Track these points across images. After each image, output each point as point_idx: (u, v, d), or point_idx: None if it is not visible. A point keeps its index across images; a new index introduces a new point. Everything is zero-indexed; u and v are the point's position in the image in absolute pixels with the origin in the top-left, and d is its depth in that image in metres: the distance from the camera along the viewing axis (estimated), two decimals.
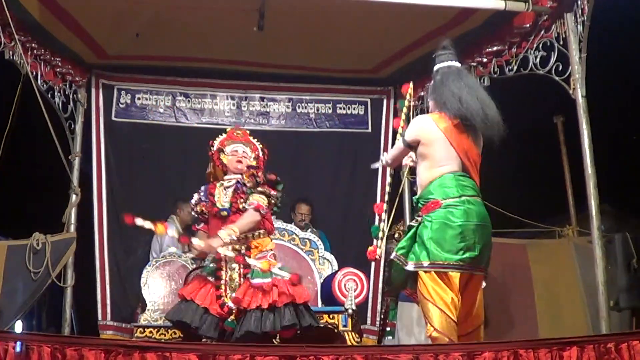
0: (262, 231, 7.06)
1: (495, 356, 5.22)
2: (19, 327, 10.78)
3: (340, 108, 10.91)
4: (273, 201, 7.12)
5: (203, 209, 7.23)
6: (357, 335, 8.30)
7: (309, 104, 10.85)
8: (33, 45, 8.70)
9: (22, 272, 8.11)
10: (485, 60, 9.15)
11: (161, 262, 9.01)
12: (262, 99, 10.73)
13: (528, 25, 8.45)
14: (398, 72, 10.40)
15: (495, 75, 9.03)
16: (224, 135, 7.37)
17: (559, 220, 11.00)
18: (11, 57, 8.28)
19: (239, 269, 6.95)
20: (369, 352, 5.43)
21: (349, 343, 8.04)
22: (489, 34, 8.94)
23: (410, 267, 6.10)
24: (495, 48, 8.95)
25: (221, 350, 5.22)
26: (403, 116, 6.91)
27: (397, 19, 8.75)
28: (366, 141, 10.77)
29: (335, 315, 8.22)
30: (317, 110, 10.84)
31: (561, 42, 8.09)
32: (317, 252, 9.00)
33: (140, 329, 8.60)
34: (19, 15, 8.19)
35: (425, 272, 6.02)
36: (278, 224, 8.96)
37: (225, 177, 7.21)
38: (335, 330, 8.20)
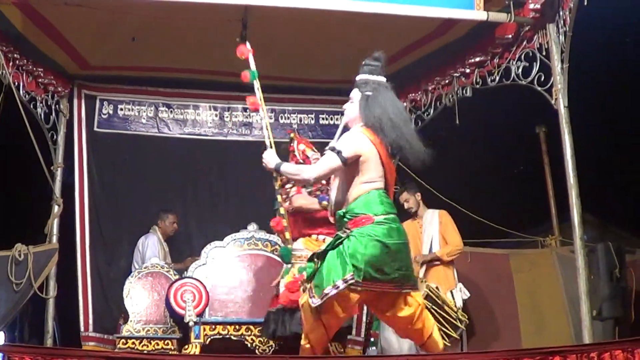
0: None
1: None
2: (1, 338, 10.74)
3: (323, 118, 10.91)
4: None
5: None
6: (340, 346, 8.29)
7: (292, 115, 10.85)
8: (15, 55, 8.67)
9: (3, 283, 8.09)
10: (467, 70, 9.18)
11: (144, 273, 8.98)
12: (244, 109, 10.71)
13: (510, 36, 8.48)
14: None
15: (478, 86, 9.06)
16: None
17: (541, 230, 11.05)
18: None
19: None
20: None
21: (332, 354, 8.02)
22: (472, 45, 8.96)
23: (341, 285, 5.93)
24: (477, 59, 8.97)
25: None
26: (259, 95, 7.12)
27: (379, 31, 8.76)
28: None
29: None
30: (300, 120, 10.84)
31: (543, 53, 8.11)
32: None
33: (123, 340, 8.57)
34: (1, 25, 8.18)
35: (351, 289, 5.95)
36: (261, 234, 8.96)
37: None
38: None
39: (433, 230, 8.96)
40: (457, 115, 9.30)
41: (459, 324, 8.26)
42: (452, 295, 8.72)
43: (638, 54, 11.62)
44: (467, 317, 8.45)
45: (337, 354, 8.04)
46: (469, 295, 8.89)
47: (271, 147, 6.76)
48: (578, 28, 7.78)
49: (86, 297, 9.70)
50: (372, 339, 9.82)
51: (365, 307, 9.96)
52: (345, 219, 6.13)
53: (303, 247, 7.50)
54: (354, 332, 9.80)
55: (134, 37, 9.11)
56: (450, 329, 8.24)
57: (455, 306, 8.60)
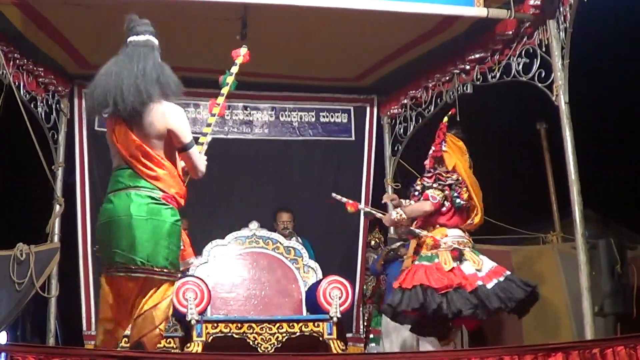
0: (429, 228, 7.66)
1: None
2: (3, 338, 10.74)
3: (324, 116, 10.91)
4: (445, 193, 7.57)
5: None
6: (342, 344, 8.29)
7: (292, 113, 10.85)
8: (15, 55, 8.68)
9: (5, 282, 8.09)
10: (468, 67, 9.18)
11: None
12: (245, 107, 10.72)
13: (510, 33, 8.48)
14: (381, 81, 10.43)
15: (478, 83, 9.06)
16: None
17: (542, 227, 11.04)
18: None
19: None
20: None
21: (334, 351, 8.03)
22: (472, 42, 8.96)
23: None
24: (477, 55, 8.98)
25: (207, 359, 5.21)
26: (223, 92, 6.80)
27: (379, 28, 8.76)
28: (349, 149, 10.79)
29: (321, 324, 8.20)
30: (301, 118, 10.84)
31: (544, 49, 8.12)
32: (302, 260, 8.98)
33: (125, 338, 8.57)
34: (1, 25, 8.19)
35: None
36: (263, 232, 8.97)
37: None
38: (321, 339, 8.19)
39: None
40: (458, 112, 9.30)
41: None
42: None
43: (639, 49, 11.61)
44: None
45: (339, 352, 8.05)
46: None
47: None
48: (578, 24, 7.78)
49: (88, 296, 9.70)
50: (372, 336, 9.82)
51: (361, 304, 9.98)
52: None
53: None
54: (353, 329, 9.82)
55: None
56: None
57: None
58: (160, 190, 5.68)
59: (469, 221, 7.71)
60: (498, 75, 8.76)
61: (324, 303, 8.30)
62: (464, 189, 7.61)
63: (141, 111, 5.65)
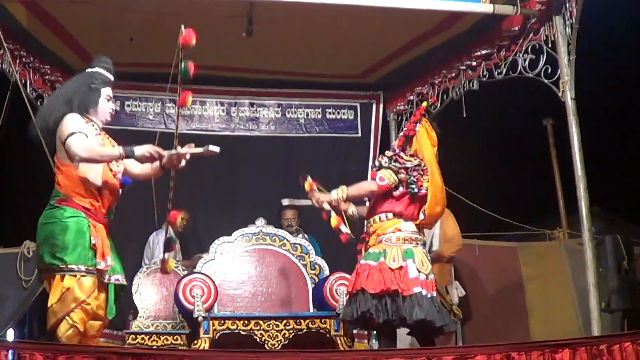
0: (387, 215, 7.05)
1: (487, 359, 5.23)
2: (10, 335, 10.76)
3: (330, 113, 10.92)
4: (400, 176, 6.95)
5: None
6: (349, 340, 8.29)
7: (299, 109, 10.85)
8: (22, 53, 8.69)
9: (12, 280, 8.11)
10: (474, 63, 9.17)
11: (152, 268, 8.99)
12: (251, 104, 10.73)
13: (517, 29, 8.47)
14: (387, 77, 10.43)
15: (485, 79, 9.05)
16: None
17: (549, 223, 11.05)
18: (0, 65, 8.27)
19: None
20: (361, 356, 5.45)
21: (341, 348, 8.03)
22: (478, 38, 8.96)
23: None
24: (484, 52, 8.97)
25: (213, 356, 5.21)
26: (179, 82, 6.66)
27: (385, 24, 8.76)
28: (356, 146, 10.79)
29: (328, 320, 8.20)
30: (307, 115, 10.84)
31: (550, 45, 8.10)
32: (308, 257, 8.98)
33: (132, 335, 8.59)
34: (8, 23, 8.19)
35: None
36: (269, 229, 8.97)
37: None
38: (328, 335, 8.19)
39: (434, 228, 8.95)
40: (465, 109, 9.29)
41: (453, 318, 8.28)
42: (447, 291, 8.76)
43: None
44: (461, 312, 8.53)
45: (346, 348, 8.06)
46: (464, 293, 8.93)
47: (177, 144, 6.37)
48: (584, 20, 7.78)
49: None
50: (374, 332, 9.81)
51: None
52: None
53: None
54: None
55: (131, 38, 9.11)
56: None
57: (451, 301, 8.66)
58: (61, 193, 6.02)
59: (421, 215, 7.06)
60: (504, 71, 8.75)
61: (330, 300, 8.30)
62: (425, 177, 6.99)
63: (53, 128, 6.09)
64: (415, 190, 6.96)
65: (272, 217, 9.56)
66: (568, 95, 7.84)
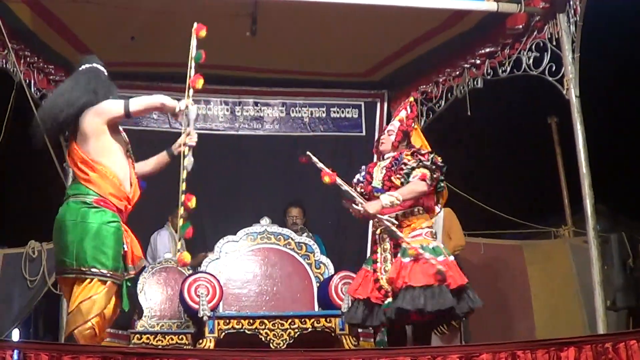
0: (419, 209, 6.87)
1: (493, 357, 5.23)
2: (15, 335, 10.77)
3: (334, 112, 10.91)
4: (435, 175, 6.80)
5: (361, 190, 7.11)
6: (354, 339, 8.29)
7: (303, 108, 10.84)
8: (26, 53, 8.71)
9: (18, 280, 8.12)
10: (478, 62, 9.16)
11: (157, 268, 8.99)
12: (255, 103, 10.73)
13: (521, 27, 8.47)
14: (391, 75, 10.43)
15: (489, 77, 9.04)
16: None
17: (554, 221, 11.05)
18: (4, 65, 8.29)
19: (391, 249, 6.83)
20: (366, 355, 5.45)
21: (346, 347, 8.03)
22: (482, 36, 8.95)
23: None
24: (488, 50, 8.97)
25: (219, 356, 5.22)
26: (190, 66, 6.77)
27: (389, 23, 8.76)
28: (360, 144, 10.76)
29: (333, 319, 8.21)
30: (311, 114, 10.84)
31: (554, 43, 8.10)
32: (313, 256, 8.98)
33: (137, 335, 8.59)
34: (12, 23, 8.20)
35: None
36: (274, 228, 8.97)
37: (386, 156, 7.16)
38: (333, 334, 8.20)
39: (437, 228, 8.94)
40: (469, 107, 9.29)
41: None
42: None
43: None
44: None
45: (351, 347, 8.06)
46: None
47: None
48: (589, 17, 7.77)
49: None
50: (382, 329, 9.81)
51: None
52: None
53: None
54: None
55: (133, 37, 9.11)
56: None
57: None
58: (96, 193, 6.01)
59: (436, 208, 7.11)
60: (508, 69, 8.74)
61: (335, 299, 8.30)
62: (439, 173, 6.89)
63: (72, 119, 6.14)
64: (442, 187, 7.00)
65: (277, 216, 9.56)
66: (572, 93, 7.83)
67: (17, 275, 8.08)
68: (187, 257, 6.44)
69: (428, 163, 6.82)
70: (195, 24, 6.74)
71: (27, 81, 8.74)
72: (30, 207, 12.14)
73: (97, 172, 6.04)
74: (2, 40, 8.03)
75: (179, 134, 10.06)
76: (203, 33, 6.72)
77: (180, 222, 6.46)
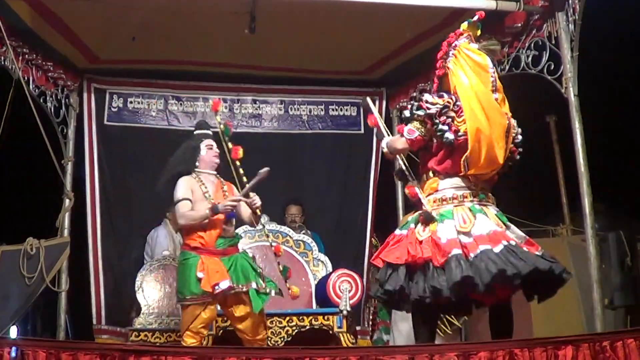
0: (426, 174, 6.16)
1: (490, 356, 5.23)
2: (13, 332, 10.76)
3: (333, 109, 10.90)
4: (416, 125, 6.02)
5: None
6: (352, 337, 8.30)
7: (301, 106, 10.84)
8: (24, 50, 8.71)
9: (16, 277, 8.09)
10: None
11: (155, 265, 9.00)
12: (254, 101, 10.73)
13: (519, 25, 8.47)
14: (390, 74, 10.42)
15: None
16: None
17: (552, 219, 11.05)
18: (3, 63, 8.30)
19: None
20: (364, 353, 5.44)
21: (344, 344, 8.04)
22: (481, 34, 8.94)
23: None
24: None
25: (216, 353, 5.22)
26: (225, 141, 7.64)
27: (388, 21, 8.75)
28: (359, 142, 10.77)
29: (330, 317, 8.22)
30: (310, 112, 10.83)
31: (553, 41, 8.10)
32: (311, 253, 8.99)
33: (135, 332, 8.60)
34: (10, 20, 8.20)
35: None
36: (272, 226, 8.98)
37: None
38: (330, 332, 8.20)
39: None
40: None
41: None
42: None
43: None
44: None
45: (349, 345, 8.07)
46: None
47: None
48: (587, 16, 7.77)
49: (98, 290, 9.73)
50: (380, 327, 9.81)
51: (362, 298, 9.95)
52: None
53: None
54: (365, 323, 9.83)
55: (134, 37, 9.11)
56: (453, 317, 8.29)
57: None
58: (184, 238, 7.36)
59: (462, 167, 6.00)
60: (507, 67, 8.73)
61: (333, 296, 8.31)
62: (461, 118, 5.90)
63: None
64: (450, 137, 5.90)
65: (276, 213, 9.57)
66: (571, 92, 7.83)
67: (15, 273, 8.05)
68: (296, 291, 7.44)
69: (407, 114, 6.14)
70: (210, 100, 7.79)
71: (26, 78, 8.74)
72: (28, 204, 12.13)
73: (180, 226, 7.70)
74: (1, 37, 8.03)
75: (177, 131, 10.18)
76: (221, 108, 7.77)
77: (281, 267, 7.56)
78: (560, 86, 7.93)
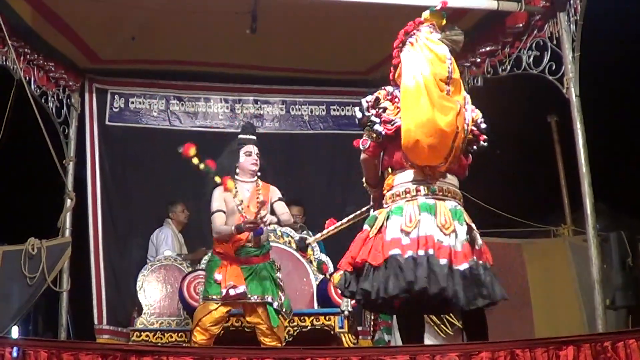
0: (383, 173, 5.97)
1: (492, 356, 5.22)
2: (15, 332, 10.76)
3: (334, 110, 10.90)
4: (367, 132, 5.74)
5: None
6: (353, 337, 8.30)
7: (303, 106, 10.84)
8: (26, 50, 8.71)
9: (17, 277, 8.10)
10: (478, 60, 9.15)
11: (157, 265, 9.00)
12: (255, 101, 10.74)
13: (521, 25, 8.46)
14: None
15: (489, 75, 9.04)
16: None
17: (554, 220, 11.03)
18: (4, 63, 8.30)
19: None
20: (365, 353, 5.42)
21: (346, 345, 8.04)
22: (482, 34, 8.94)
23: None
24: (488, 48, 8.96)
25: (217, 353, 5.21)
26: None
27: (390, 21, 8.72)
28: None
29: (332, 317, 8.22)
30: (311, 112, 10.84)
31: (554, 42, 8.10)
32: (313, 254, 8.99)
33: (137, 332, 8.60)
34: (12, 20, 8.20)
35: None
36: (273, 226, 8.97)
37: None
38: (332, 332, 8.20)
39: None
40: None
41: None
42: None
43: None
44: None
45: (351, 345, 8.06)
46: None
47: None
48: (589, 16, 7.76)
49: (99, 290, 9.73)
50: (382, 327, 9.80)
51: None
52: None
53: None
54: (366, 323, 9.83)
55: (134, 37, 9.11)
56: (453, 317, 8.28)
57: None
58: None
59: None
60: (509, 68, 8.74)
61: (335, 297, 8.31)
62: (394, 107, 5.65)
63: None
64: (382, 130, 5.64)
65: None
66: (572, 92, 7.83)
67: (17, 273, 8.06)
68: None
69: (357, 121, 5.89)
70: (179, 149, 7.58)
71: (27, 78, 8.75)
72: (29, 204, 12.13)
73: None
74: (2, 37, 8.03)
75: (178, 131, 10.19)
76: (192, 151, 7.65)
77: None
78: (561, 86, 7.93)
